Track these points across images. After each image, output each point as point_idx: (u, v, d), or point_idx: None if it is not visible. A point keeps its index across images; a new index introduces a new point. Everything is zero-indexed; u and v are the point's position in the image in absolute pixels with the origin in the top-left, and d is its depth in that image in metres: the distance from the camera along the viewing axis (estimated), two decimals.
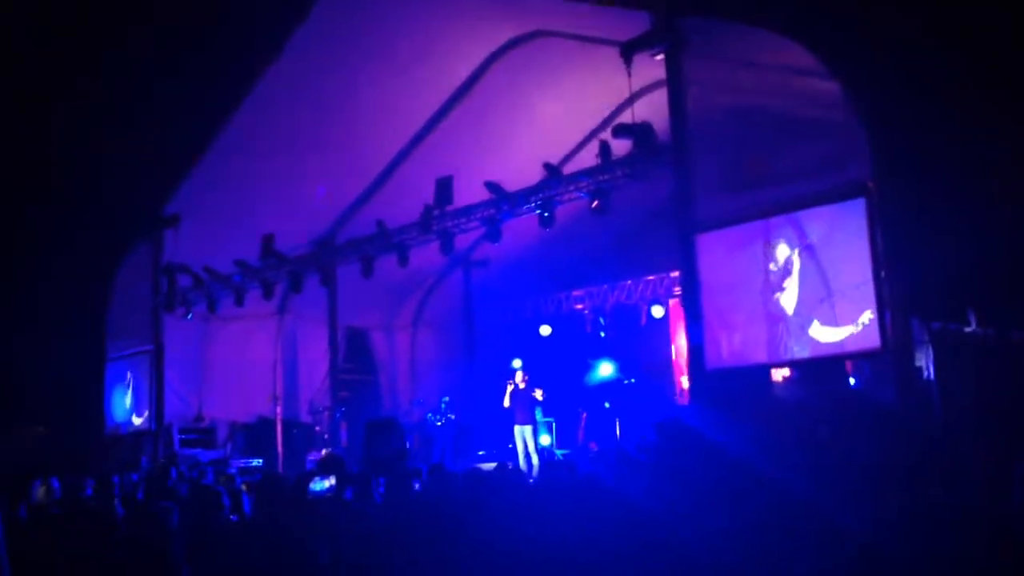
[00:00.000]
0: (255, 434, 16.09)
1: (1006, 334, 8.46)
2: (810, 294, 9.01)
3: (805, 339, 9.03)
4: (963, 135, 8.58)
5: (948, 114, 8.63)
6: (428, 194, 12.94)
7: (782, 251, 9.30)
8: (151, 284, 15.71)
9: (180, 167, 14.12)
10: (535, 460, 13.11)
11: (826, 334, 8.87)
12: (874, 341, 8.44)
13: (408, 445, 15.69)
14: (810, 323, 9.00)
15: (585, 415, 16.17)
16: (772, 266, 9.35)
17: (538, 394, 13.66)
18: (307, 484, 5.12)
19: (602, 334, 17.49)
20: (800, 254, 9.15)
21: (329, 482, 4.89)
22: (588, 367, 16.76)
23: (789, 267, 9.24)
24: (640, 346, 16.71)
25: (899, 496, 5.66)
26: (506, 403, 13.67)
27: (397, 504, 4.82)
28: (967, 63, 8.36)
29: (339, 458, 5.68)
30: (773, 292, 9.31)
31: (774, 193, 9.33)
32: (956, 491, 6.11)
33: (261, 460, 14.89)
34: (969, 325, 8.62)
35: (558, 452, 14.80)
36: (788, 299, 9.24)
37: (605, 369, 16.46)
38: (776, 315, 9.27)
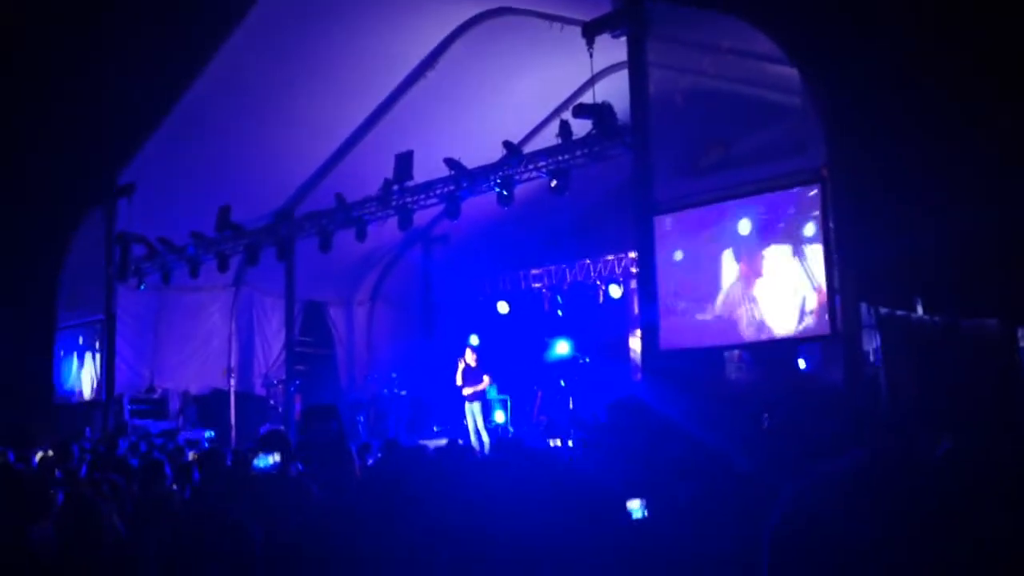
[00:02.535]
0: (208, 406, 15.98)
1: (952, 321, 8.62)
2: (755, 278, 9.12)
3: (755, 323, 9.14)
4: (919, 125, 8.69)
5: (905, 103, 8.73)
6: (388, 169, 12.88)
7: (735, 235, 9.39)
8: (104, 253, 15.47)
9: (137, 136, 13.90)
10: (485, 437, 13.16)
11: (772, 319, 8.99)
12: (822, 325, 8.57)
13: (362, 420, 15.69)
14: (755, 306, 9.11)
15: (540, 393, 16.24)
16: (716, 248, 9.46)
17: (485, 381, 13.64)
18: (250, 460, 5.08)
19: (559, 312, 17.55)
20: (753, 239, 9.25)
21: (273, 458, 4.86)
22: (545, 345, 16.82)
23: (741, 252, 9.33)
24: (597, 325, 16.79)
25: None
26: (458, 381, 13.68)
27: (338, 485, 4.80)
28: (927, 54, 8.46)
29: (282, 434, 5.64)
30: (725, 276, 9.41)
31: (731, 177, 9.40)
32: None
33: (213, 432, 14.79)
34: (916, 312, 8.77)
35: (511, 430, 14.87)
36: (738, 283, 9.34)
37: (561, 348, 16.53)
38: (720, 298, 9.38)
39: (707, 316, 9.46)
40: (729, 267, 9.36)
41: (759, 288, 9.11)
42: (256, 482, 4.96)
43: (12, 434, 11.75)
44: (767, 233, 9.14)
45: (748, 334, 9.18)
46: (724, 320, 9.35)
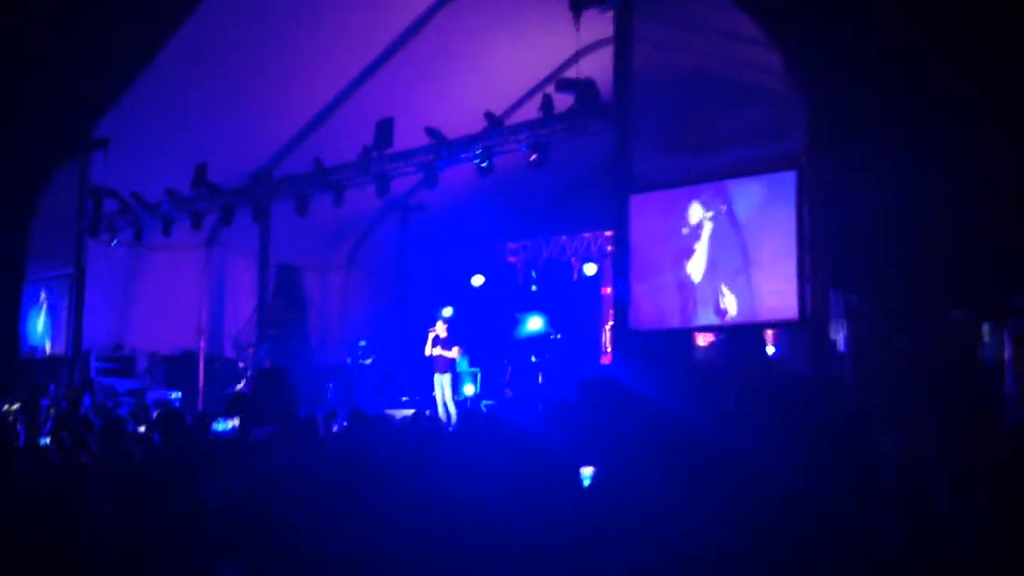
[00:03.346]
0: (177, 366, 15.84)
1: (921, 313, 8.67)
2: (725, 262, 9.14)
3: (714, 307, 9.17)
4: (901, 114, 8.69)
5: (887, 92, 8.72)
6: (368, 135, 12.76)
7: (694, 215, 9.41)
8: (76, 207, 15.25)
9: (113, 89, 13.67)
10: (452, 409, 13.15)
11: (738, 303, 9.01)
12: (792, 312, 8.61)
13: (331, 387, 15.64)
14: (721, 291, 9.14)
15: (510, 367, 16.27)
16: (684, 230, 9.47)
17: (455, 352, 13.53)
18: (209, 423, 5.05)
19: (533, 288, 17.56)
20: (714, 220, 9.26)
21: (233, 423, 4.83)
22: (517, 320, 16.83)
23: (699, 232, 9.35)
24: (570, 302, 16.83)
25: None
26: (428, 351, 13.58)
27: (302, 452, 4.80)
28: (912, 42, 8.45)
29: (247, 398, 5.60)
30: (685, 257, 9.44)
31: (710, 159, 9.39)
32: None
33: (181, 393, 14.69)
34: (887, 302, 8.81)
35: (483, 403, 14.86)
36: (697, 265, 9.36)
37: (534, 323, 16.55)
38: (685, 280, 9.40)
39: (677, 297, 9.48)
40: (701, 249, 9.37)
41: (729, 271, 9.13)
42: (214, 446, 4.94)
43: None
44: (742, 217, 9.14)
45: (717, 317, 9.21)
46: (694, 302, 9.37)
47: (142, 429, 7.56)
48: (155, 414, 9.80)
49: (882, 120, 8.72)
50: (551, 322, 16.34)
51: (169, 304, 16.44)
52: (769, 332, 9.30)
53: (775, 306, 8.80)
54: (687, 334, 9.66)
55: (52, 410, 10.43)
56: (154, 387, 14.97)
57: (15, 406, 10.11)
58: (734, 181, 9.25)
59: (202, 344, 15.37)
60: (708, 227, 9.33)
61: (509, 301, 17.36)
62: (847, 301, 8.37)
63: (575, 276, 16.77)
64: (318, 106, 14.68)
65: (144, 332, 16.21)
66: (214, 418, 5.13)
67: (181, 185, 14.63)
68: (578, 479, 5.24)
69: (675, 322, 9.54)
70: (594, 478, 4.73)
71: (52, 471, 5.84)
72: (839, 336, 8.35)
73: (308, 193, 13.99)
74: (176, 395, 14.46)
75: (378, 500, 4.75)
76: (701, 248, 9.37)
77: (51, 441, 7.35)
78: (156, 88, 13.35)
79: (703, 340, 9.79)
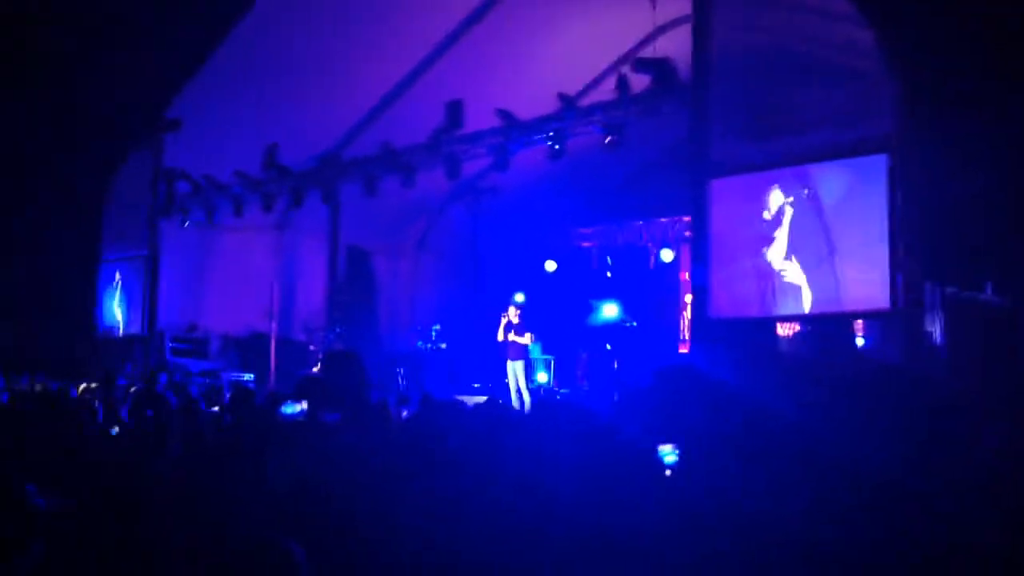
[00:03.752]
0: (248, 348, 15.91)
1: (1021, 305, 8.23)
2: (807, 249, 8.75)
3: (797, 295, 8.79)
4: (996, 95, 8.24)
5: (982, 71, 8.27)
6: (437, 117, 12.60)
7: (775, 200, 9.03)
8: (149, 189, 15.40)
9: (184, 71, 13.75)
10: (526, 396, 12.96)
11: (821, 292, 8.62)
12: (882, 302, 8.21)
13: (401, 372, 15.57)
14: (803, 279, 8.76)
15: (586, 355, 16.01)
16: (765, 215, 9.11)
17: (527, 338, 13.31)
18: (278, 405, 4.95)
19: (608, 274, 17.24)
20: (795, 206, 8.88)
21: (301, 406, 4.73)
22: (592, 307, 16.55)
23: (780, 218, 8.98)
24: (646, 289, 16.49)
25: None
26: (500, 337, 13.41)
27: (372, 437, 4.66)
28: (1007, 19, 8.00)
29: (317, 380, 5.48)
30: (765, 244, 9.07)
31: (792, 142, 9.02)
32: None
33: (253, 375, 14.75)
34: (984, 292, 8.38)
35: (565, 391, 14.69)
36: (777, 252, 8.98)
37: (609, 310, 16.25)
38: (765, 268, 9.03)
39: (756, 285, 9.13)
40: (782, 236, 9.01)
41: (811, 259, 8.75)
42: (284, 428, 4.83)
43: (55, 366, 11.85)
44: (826, 202, 8.76)
45: (802, 306, 8.84)
46: (773, 290, 9.02)
47: (215, 409, 7.53)
48: (228, 396, 9.82)
49: (977, 101, 8.28)
50: (626, 310, 16.02)
51: (241, 285, 16.47)
52: (858, 322, 8.91)
53: (862, 295, 8.41)
54: (768, 323, 9.32)
55: (129, 389, 10.53)
56: (227, 369, 15.06)
57: (93, 384, 10.24)
58: (818, 165, 8.86)
59: (273, 326, 15.39)
60: (789, 212, 8.96)
61: (583, 287, 17.06)
62: (942, 290, 7.96)
63: (651, 262, 16.42)
64: (387, 87, 14.58)
65: (217, 313, 16.27)
66: (283, 400, 5.05)
67: (252, 167, 14.66)
68: (654, 467, 5.01)
69: (754, 310, 9.20)
70: (678, 461, 4.52)
71: (125, 447, 5.83)
72: (934, 327, 7.94)
73: (377, 175, 13.87)
74: (249, 376, 14.52)
75: (449, 486, 4.60)
76: (782, 235, 9.01)
77: (128, 419, 7.36)
78: (227, 70, 13.38)
79: (786, 329, 9.45)
